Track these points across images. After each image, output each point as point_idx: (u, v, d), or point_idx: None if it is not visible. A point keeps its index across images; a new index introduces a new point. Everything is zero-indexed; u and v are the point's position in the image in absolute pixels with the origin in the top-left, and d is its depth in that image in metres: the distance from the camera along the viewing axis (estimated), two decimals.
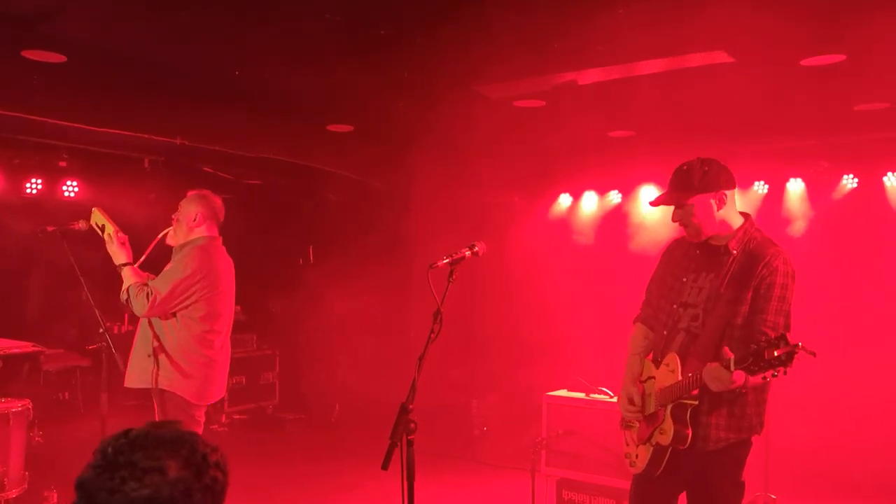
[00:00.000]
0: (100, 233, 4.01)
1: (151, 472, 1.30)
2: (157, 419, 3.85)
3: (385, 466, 2.47)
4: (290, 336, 8.59)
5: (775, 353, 2.37)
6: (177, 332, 3.83)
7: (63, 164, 6.98)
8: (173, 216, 4.06)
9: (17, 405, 4.64)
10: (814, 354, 2.48)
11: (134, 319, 7.80)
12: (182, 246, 3.96)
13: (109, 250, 3.93)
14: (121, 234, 3.91)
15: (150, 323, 3.88)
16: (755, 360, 2.42)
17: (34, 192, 7.03)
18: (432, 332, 2.66)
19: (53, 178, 7.13)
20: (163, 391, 3.84)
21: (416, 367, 2.62)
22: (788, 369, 2.41)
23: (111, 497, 1.29)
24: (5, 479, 4.46)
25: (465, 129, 5.90)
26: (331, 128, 6.49)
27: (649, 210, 6.83)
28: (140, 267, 4.01)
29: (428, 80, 5.02)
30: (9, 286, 7.09)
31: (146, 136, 6.12)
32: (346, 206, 8.44)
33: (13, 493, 4.55)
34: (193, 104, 5.71)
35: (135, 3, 3.83)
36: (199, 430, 3.84)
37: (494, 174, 7.11)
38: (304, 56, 4.63)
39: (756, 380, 2.51)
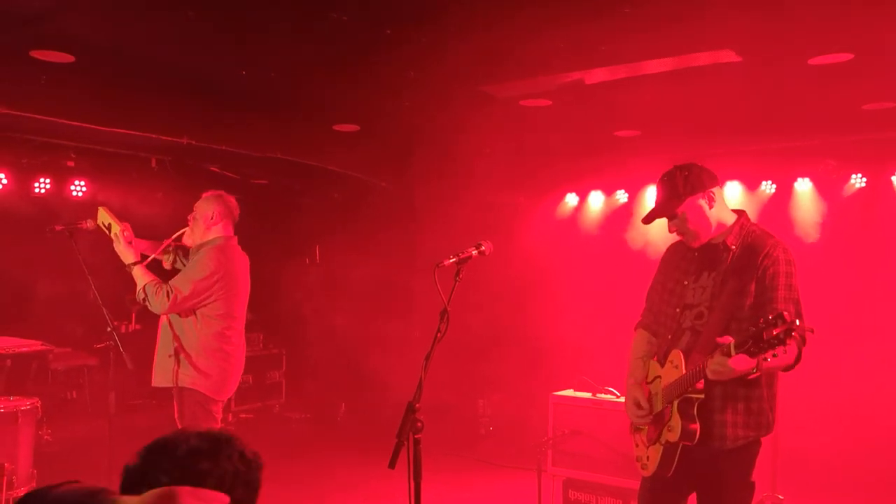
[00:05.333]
0: (107, 232, 4.04)
1: (166, 446, 1.45)
2: (175, 415, 3.95)
3: (392, 465, 2.48)
4: (297, 335, 8.61)
5: (774, 332, 2.36)
6: (197, 330, 3.92)
7: (71, 163, 7.00)
8: (189, 216, 4.12)
9: (25, 403, 4.67)
10: (812, 331, 2.47)
11: (142, 319, 7.86)
12: (199, 246, 4.04)
13: (117, 249, 3.98)
14: (127, 233, 3.95)
15: (170, 323, 3.96)
16: (755, 342, 2.41)
17: (42, 191, 7.06)
18: (439, 331, 2.66)
19: (61, 177, 7.16)
20: (182, 388, 3.92)
21: (423, 366, 2.62)
22: (788, 349, 2.39)
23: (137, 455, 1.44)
24: (14, 477, 4.48)
25: (471, 129, 5.89)
26: (337, 127, 6.49)
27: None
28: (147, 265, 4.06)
29: (434, 80, 5.02)
30: (17, 285, 7.12)
31: (153, 135, 6.14)
32: (352, 205, 8.44)
33: (22, 491, 4.57)
34: (200, 104, 5.72)
35: (142, 4, 3.84)
36: (216, 426, 3.92)
37: (500, 174, 7.10)
38: (311, 56, 4.63)
39: (767, 365, 2.49)
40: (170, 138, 6.22)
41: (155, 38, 4.36)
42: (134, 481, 1.42)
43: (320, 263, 8.92)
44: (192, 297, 3.88)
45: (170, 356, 3.93)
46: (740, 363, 2.51)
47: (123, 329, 7.51)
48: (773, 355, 2.39)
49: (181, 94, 5.43)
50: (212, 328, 3.94)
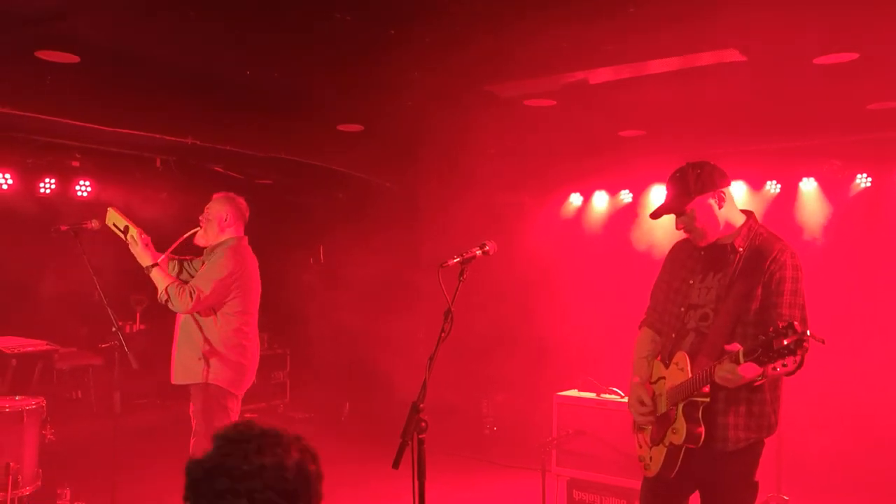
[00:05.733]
0: (121, 234, 4.10)
1: (278, 446, 1.46)
2: (191, 410, 4.11)
3: (396, 465, 2.48)
4: (301, 335, 8.62)
5: (784, 342, 2.34)
6: (217, 328, 4.07)
7: (76, 163, 7.02)
8: (201, 217, 4.26)
9: (30, 403, 4.68)
10: (822, 342, 2.45)
11: (146, 318, 7.89)
12: (215, 247, 4.20)
13: (134, 251, 4.09)
14: (144, 236, 4.08)
15: (197, 324, 4.09)
16: (764, 351, 2.40)
17: (47, 191, 7.08)
18: (443, 331, 2.66)
19: (66, 177, 7.19)
20: (207, 384, 4.06)
21: (427, 366, 2.62)
22: (798, 359, 2.38)
23: (245, 460, 1.40)
24: (19, 477, 4.49)
25: (475, 129, 5.89)
26: (341, 127, 6.50)
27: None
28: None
29: (438, 80, 5.02)
30: (22, 285, 7.15)
31: (158, 135, 6.16)
32: (356, 205, 8.45)
33: (27, 490, 4.58)
34: (205, 104, 5.73)
35: (147, 4, 3.85)
36: (234, 419, 4.10)
37: (504, 173, 7.10)
38: (315, 56, 4.64)
39: (771, 371, 2.48)
40: (174, 138, 6.24)
41: (159, 38, 4.37)
42: (214, 482, 1.38)
43: (324, 263, 8.93)
44: (213, 296, 4.02)
45: (199, 359, 4.05)
46: (749, 371, 2.51)
47: (128, 329, 7.54)
48: (783, 365, 2.38)
49: (185, 94, 5.44)
50: (231, 325, 4.09)
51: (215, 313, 4.07)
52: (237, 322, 4.12)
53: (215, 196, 4.29)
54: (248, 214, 4.34)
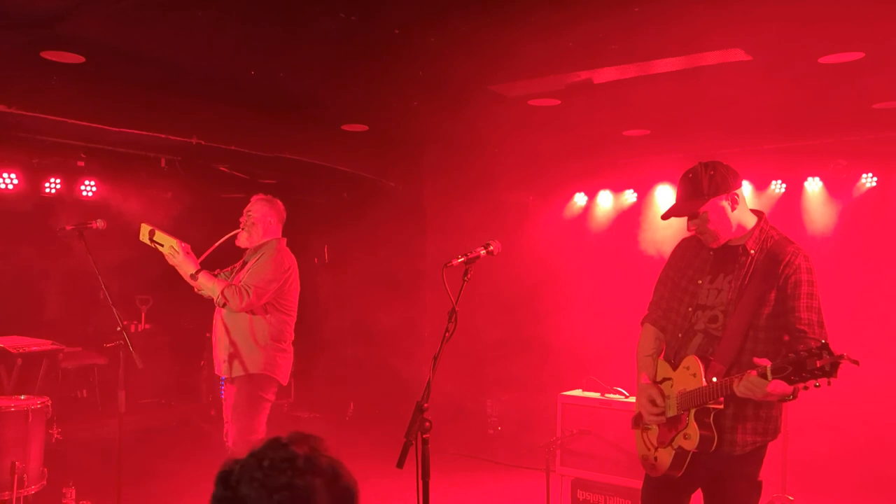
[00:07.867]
0: (157, 247, 4.12)
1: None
2: (231, 402, 4.24)
3: (400, 465, 2.48)
4: (305, 334, 8.61)
5: (818, 364, 2.30)
6: (267, 322, 4.24)
7: (81, 163, 7.03)
8: (242, 219, 4.36)
9: (36, 402, 4.69)
10: (857, 363, 2.39)
11: (151, 318, 7.90)
12: (258, 247, 4.32)
13: (175, 262, 4.11)
14: (184, 244, 4.07)
15: (249, 318, 4.20)
16: (795, 370, 2.35)
17: (53, 191, 7.10)
18: (447, 331, 2.66)
19: (71, 177, 7.21)
20: (254, 375, 4.20)
21: (431, 366, 2.62)
22: (832, 380, 2.33)
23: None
24: (25, 476, 4.51)
25: (479, 129, 5.89)
26: (345, 127, 6.50)
27: (665, 209, 6.78)
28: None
29: (442, 80, 5.02)
30: (28, 284, 7.17)
31: (163, 135, 6.16)
32: (360, 205, 8.45)
33: (32, 490, 4.59)
34: (209, 104, 5.74)
35: (152, 4, 3.85)
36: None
37: (509, 173, 7.10)
38: (320, 56, 4.64)
39: (802, 390, 2.43)
40: (179, 138, 6.24)
41: (164, 38, 4.38)
42: None
43: (329, 263, 8.93)
44: (266, 293, 4.14)
45: (251, 350, 4.18)
46: (777, 387, 2.45)
47: (133, 328, 7.55)
48: (816, 385, 2.34)
49: (190, 94, 5.46)
50: (280, 319, 4.29)
51: (265, 309, 4.20)
52: (285, 316, 4.31)
53: (256, 198, 4.40)
54: (285, 216, 4.46)
